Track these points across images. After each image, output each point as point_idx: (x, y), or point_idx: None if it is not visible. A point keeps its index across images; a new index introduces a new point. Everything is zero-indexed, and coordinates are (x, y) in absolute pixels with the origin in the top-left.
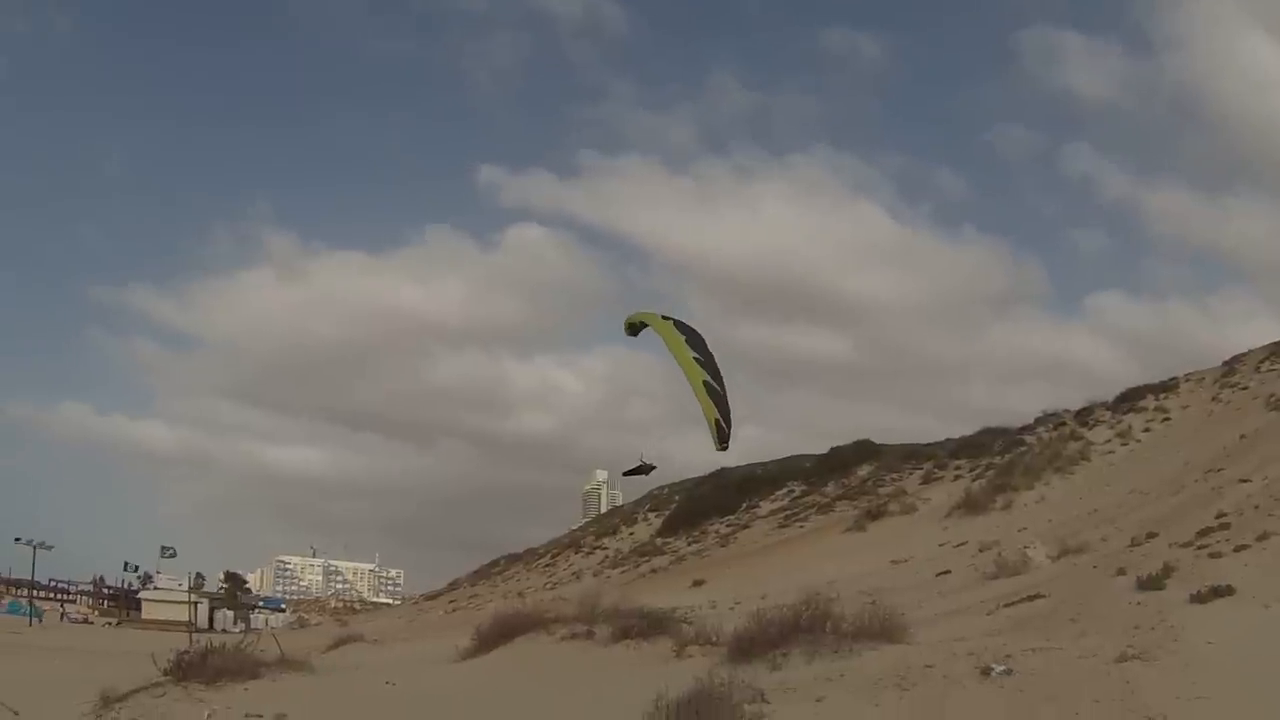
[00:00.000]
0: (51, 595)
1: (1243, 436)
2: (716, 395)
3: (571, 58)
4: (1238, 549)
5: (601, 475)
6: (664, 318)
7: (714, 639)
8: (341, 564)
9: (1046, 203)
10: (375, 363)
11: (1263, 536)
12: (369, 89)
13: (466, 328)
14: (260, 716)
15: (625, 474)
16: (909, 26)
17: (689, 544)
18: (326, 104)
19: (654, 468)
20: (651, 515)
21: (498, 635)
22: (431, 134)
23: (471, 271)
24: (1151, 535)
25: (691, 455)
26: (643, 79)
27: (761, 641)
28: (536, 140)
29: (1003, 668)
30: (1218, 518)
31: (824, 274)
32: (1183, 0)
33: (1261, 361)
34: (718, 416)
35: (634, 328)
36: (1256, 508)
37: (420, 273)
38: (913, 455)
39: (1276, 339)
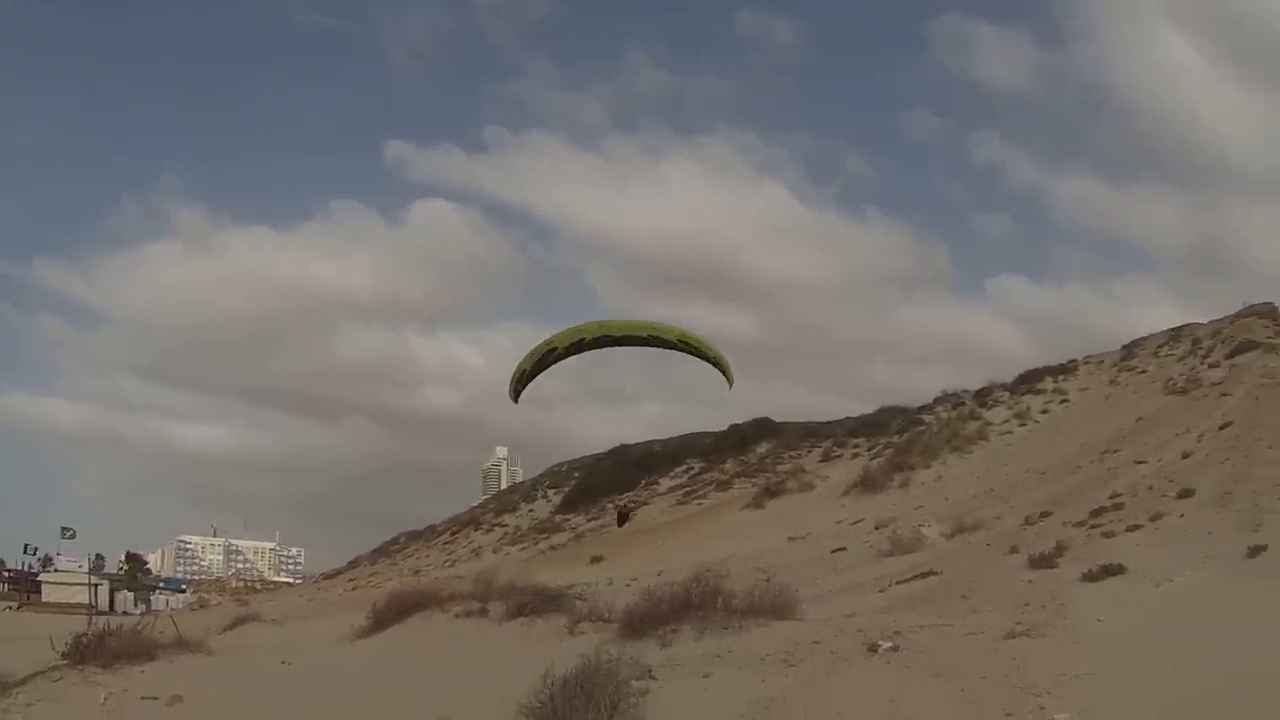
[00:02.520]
0: None
1: (1139, 419)
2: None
3: (490, 36)
4: (1130, 529)
5: (502, 452)
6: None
7: (606, 616)
8: (242, 543)
9: (953, 188)
10: (282, 339)
11: (1155, 517)
12: (284, 61)
13: (373, 304)
14: (156, 698)
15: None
16: (823, 11)
17: (588, 521)
18: (240, 75)
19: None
20: (551, 492)
21: (393, 613)
22: (343, 108)
23: (378, 247)
24: (1045, 514)
25: (591, 431)
26: (557, 57)
27: (652, 618)
28: (447, 116)
29: (890, 644)
30: (1112, 498)
31: (731, 253)
32: None
33: (1160, 346)
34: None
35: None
36: (1150, 488)
37: (327, 248)
38: (812, 434)
39: (1175, 325)
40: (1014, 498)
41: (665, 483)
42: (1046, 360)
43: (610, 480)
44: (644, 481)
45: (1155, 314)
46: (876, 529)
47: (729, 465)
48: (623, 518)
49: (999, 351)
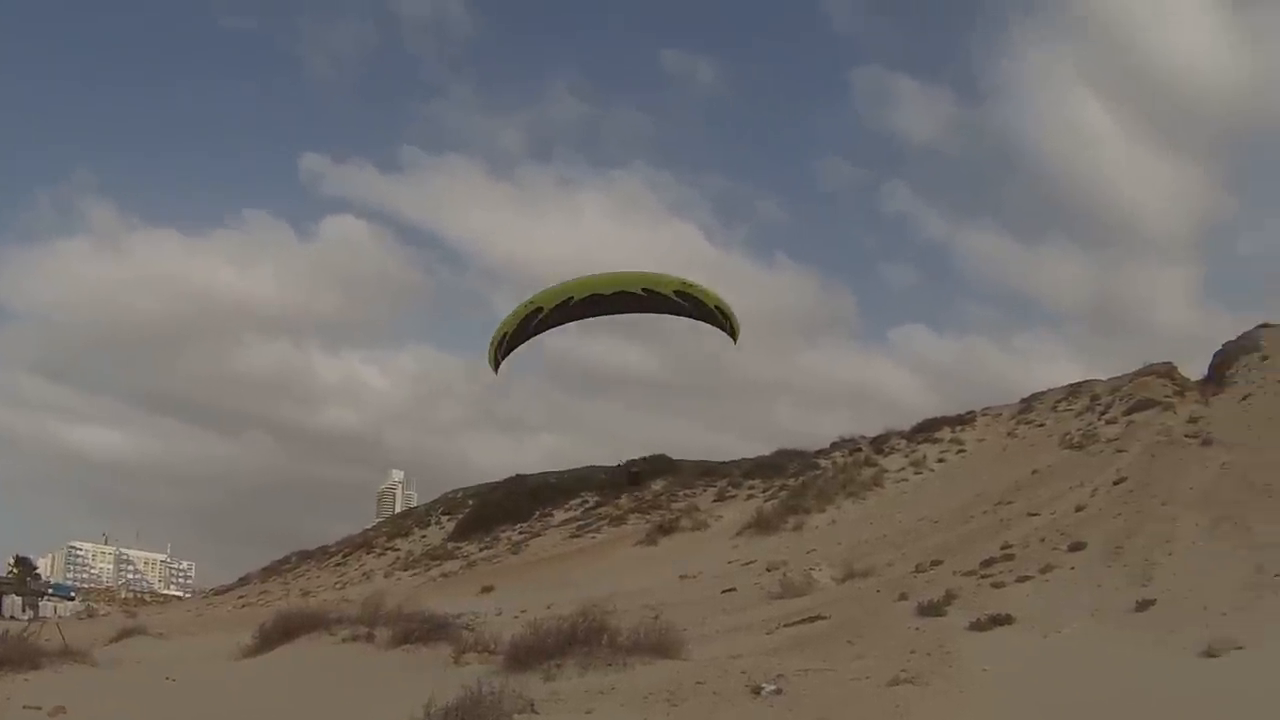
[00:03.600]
0: None
1: (1035, 472)
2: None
3: (414, 54)
4: (1021, 579)
5: (398, 475)
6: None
7: (492, 647)
8: (134, 553)
9: (862, 236)
10: (185, 346)
11: (1046, 569)
12: (206, 63)
13: (279, 316)
14: (39, 708)
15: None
16: (747, 54)
17: (480, 549)
18: (160, 73)
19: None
20: (445, 518)
21: (280, 634)
22: (262, 115)
23: (288, 260)
24: (937, 563)
25: (488, 459)
26: (480, 81)
27: (537, 651)
28: (364, 132)
29: (773, 687)
30: (1003, 549)
31: None
32: (1015, 53)
33: (1059, 401)
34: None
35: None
36: (1042, 541)
37: (236, 256)
38: (708, 472)
39: (1075, 381)
40: (906, 545)
41: (559, 515)
42: (945, 410)
43: (504, 509)
44: (538, 513)
45: (1055, 369)
46: (768, 571)
47: (624, 500)
48: (633, 478)
49: (899, 400)
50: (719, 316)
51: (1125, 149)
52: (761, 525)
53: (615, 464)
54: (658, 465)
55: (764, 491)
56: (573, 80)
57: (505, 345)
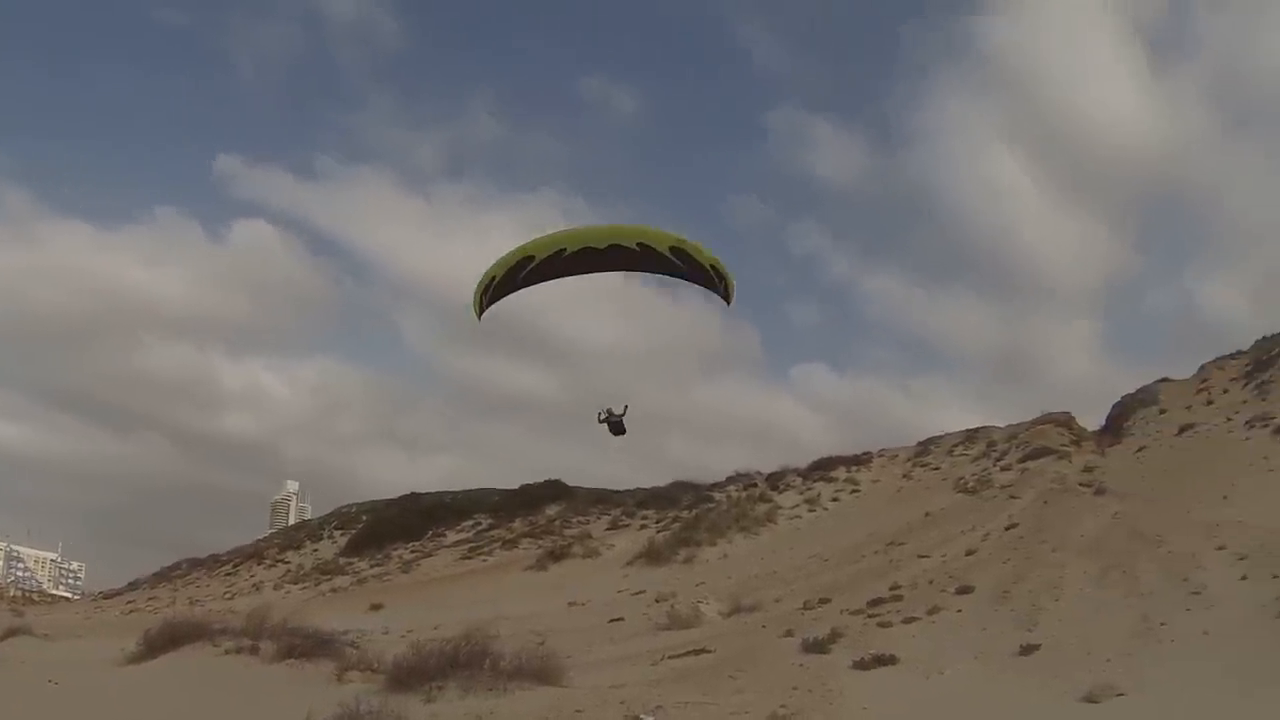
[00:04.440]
0: None
1: (928, 514)
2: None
3: (338, 63)
4: (907, 620)
5: (293, 486)
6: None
7: (375, 666)
8: (24, 550)
9: (769, 274)
10: (88, 342)
11: (933, 610)
12: (129, 52)
13: (184, 318)
14: None
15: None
16: (668, 87)
17: (371, 566)
18: (83, 60)
19: (618, 417)
20: (337, 533)
21: (165, 641)
22: (181, 111)
23: (196, 261)
24: (824, 600)
25: (384, 476)
26: (401, 94)
27: (420, 672)
28: (281, 137)
29: (651, 718)
30: (891, 589)
31: (540, 312)
32: (934, 102)
33: (955, 446)
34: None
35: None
36: (931, 583)
37: (145, 254)
38: (602, 500)
39: (973, 427)
40: (796, 582)
41: (452, 535)
42: (842, 450)
43: (398, 527)
44: (431, 532)
45: (954, 414)
46: (657, 602)
47: (517, 524)
48: (616, 428)
49: (797, 437)
50: (713, 276)
51: (1037, 204)
52: (653, 556)
53: (510, 487)
54: (553, 491)
55: (657, 522)
56: (492, 101)
57: (492, 292)
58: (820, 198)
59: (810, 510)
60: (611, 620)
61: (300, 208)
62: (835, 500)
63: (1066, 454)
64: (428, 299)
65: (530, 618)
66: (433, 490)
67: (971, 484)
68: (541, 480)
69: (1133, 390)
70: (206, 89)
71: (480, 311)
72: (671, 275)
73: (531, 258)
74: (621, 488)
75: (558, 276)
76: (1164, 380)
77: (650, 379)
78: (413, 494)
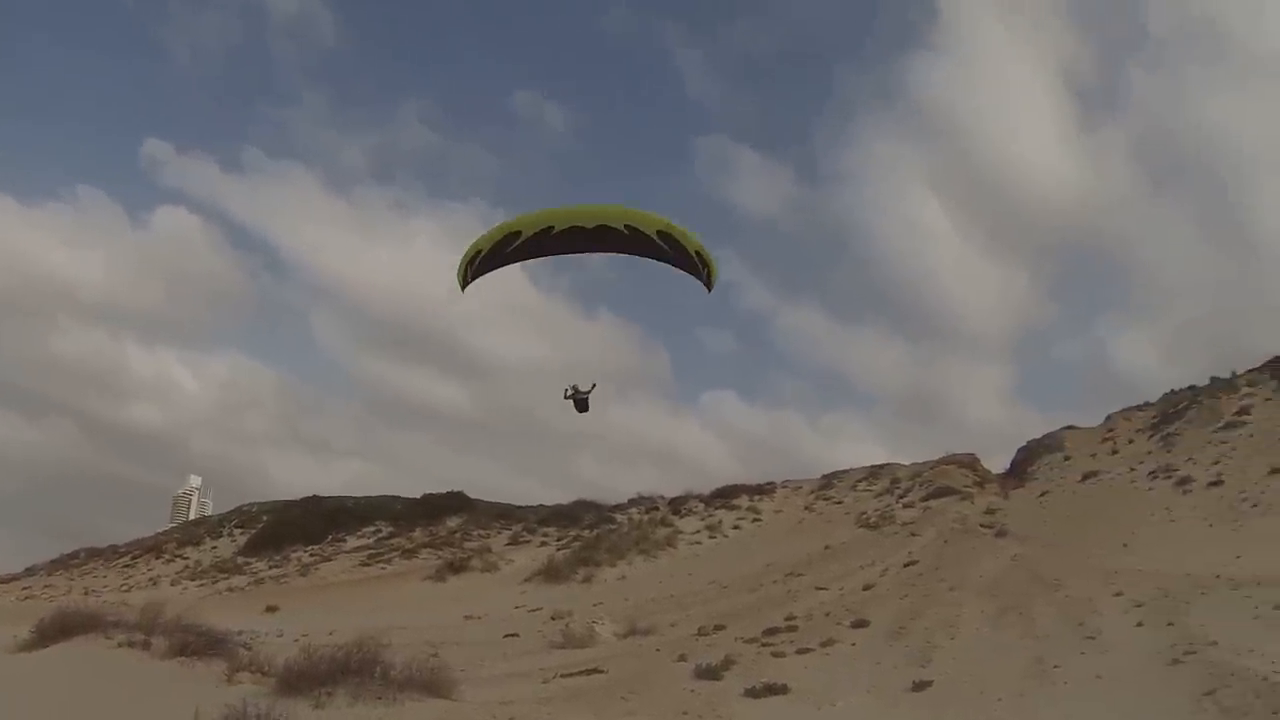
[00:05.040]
0: None
1: (828, 547)
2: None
3: (274, 56)
4: (801, 651)
5: (195, 481)
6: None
7: (266, 668)
8: None
9: (685, 300)
10: (2, 320)
11: (827, 643)
12: (64, 25)
13: (100, 302)
14: None
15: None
16: (600, 106)
17: (270, 567)
18: (20, 33)
19: (584, 394)
20: (237, 531)
21: (57, 631)
22: (113, 91)
23: (117, 246)
24: (720, 627)
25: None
26: (334, 94)
27: (310, 677)
28: (211, 127)
29: None
30: (787, 620)
31: (457, 324)
32: (861, 143)
33: (860, 481)
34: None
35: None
36: (827, 615)
37: (66, 235)
38: (504, 515)
39: (878, 463)
40: (693, 607)
41: (352, 541)
42: (747, 478)
43: (298, 529)
44: (331, 536)
45: (860, 449)
46: (553, 620)
47: (418, 533)
48: (580, 405)
49: (702, 463)
50: (696, 263)
51: (958, 249)
52: (552, 573)
53: (413, 496)
54: (455, 502)
55: (558, 540)
56: (425, 108)
57: (478, 265)
58: (742, 227)
59: (711, 537)
60: (506, 635)
61: (224, 200)
62: (736, 528)
63: (969, 495)
64: (345, 301)
65: (426, 629)
66: (336, 494)
67: (873, 519)
68: (445, 491)
69: (1039, 436)
70: (142, 71)
71: (464, 284)
72: (657, 259)
73: (518, 233)
74: (524, 503)
75: (544, 254)
76: (1070, 428)
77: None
78: (315, 497)
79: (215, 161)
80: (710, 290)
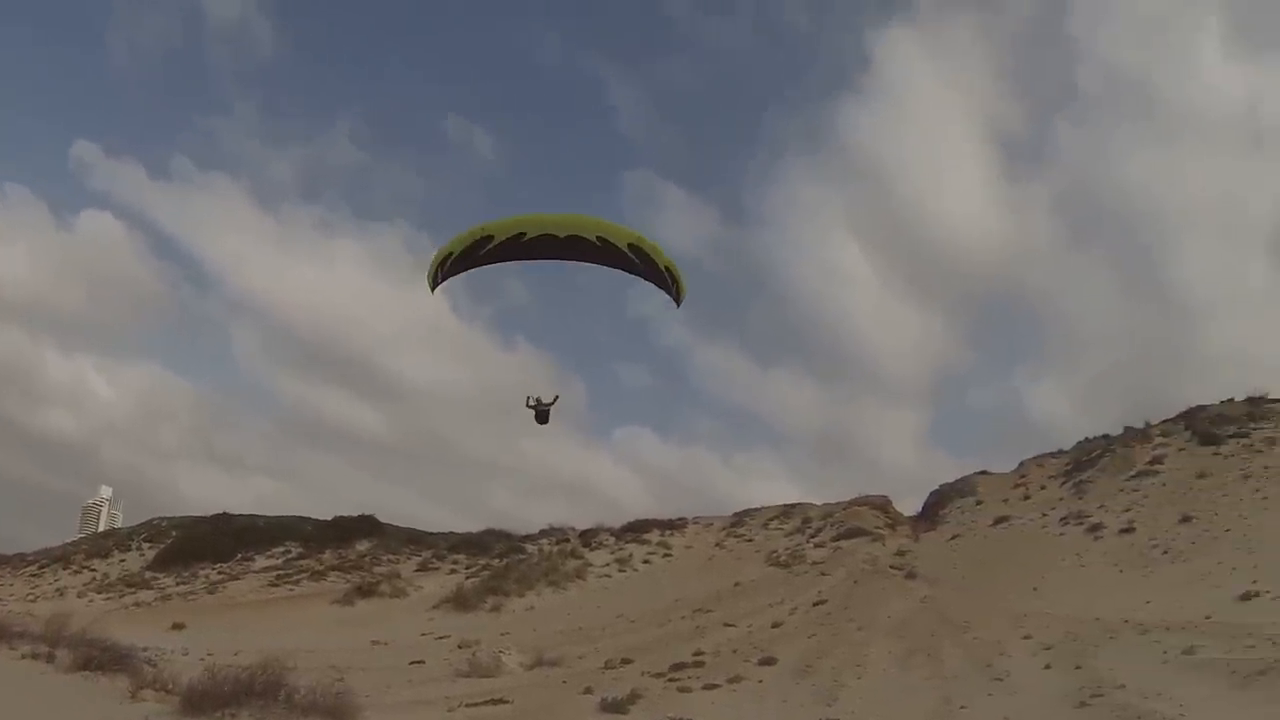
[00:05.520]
0: None
1: (737, 585)
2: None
3: (210, 64)
4: (708, 687)
5: (106, 492)
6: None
7: (170, 687)
8: None
9: (604, 333)
10: None
11: (734, 679)
12: (8, 22)
13: (20, 302)
14: None
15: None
16: (531, 134)
17: (177, 584)
18: None
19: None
20: (146, 545)
21: None
22: (47, 88)
23: (41, 246)
24: (627, 661)
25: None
26: (266, 106)
27: (213, 697)
28: (142, 132)
29: None
30: (695, 655)
31: (375, 347)
32: (788, 185)
33: (771, 519)
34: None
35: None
36: (735, 652)
37: None
38: (414, 540)
39: (790, 502)
40: (601, 640)
41: (261, 561)
42: (658, 514)
43: (207, 546)
44: (240, 555)
45: (773, 488)
46: (460, 648)
47: (327, 556)
48: (541, 416)
49: (615, 497)
50: (667, 279)
51: (878, 293)
52: (460, 602)
53: (324, 518)
54: (365, 526)
55: (467, 568)
56: (356, 126)
57: (449, 267)
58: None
59: (621, 570)
60: (412, 662)
61: (151, 207)
62: (646, 562)
63: (880, 536)
64: (265, 318)
65: (332, 652)
66: (246, 513)
67: (784, 558)
68: (356, 515)
69: (952, 480)
70: (78, 69)
71: (434, 285)
72: (627, 271)
73: (491, 237)
74: (435, 530)
75: (516, 259)
76: (983, 473)
77: (475, 424)
78: (225, 514)
79: (143, 167)
80: (679, 305)
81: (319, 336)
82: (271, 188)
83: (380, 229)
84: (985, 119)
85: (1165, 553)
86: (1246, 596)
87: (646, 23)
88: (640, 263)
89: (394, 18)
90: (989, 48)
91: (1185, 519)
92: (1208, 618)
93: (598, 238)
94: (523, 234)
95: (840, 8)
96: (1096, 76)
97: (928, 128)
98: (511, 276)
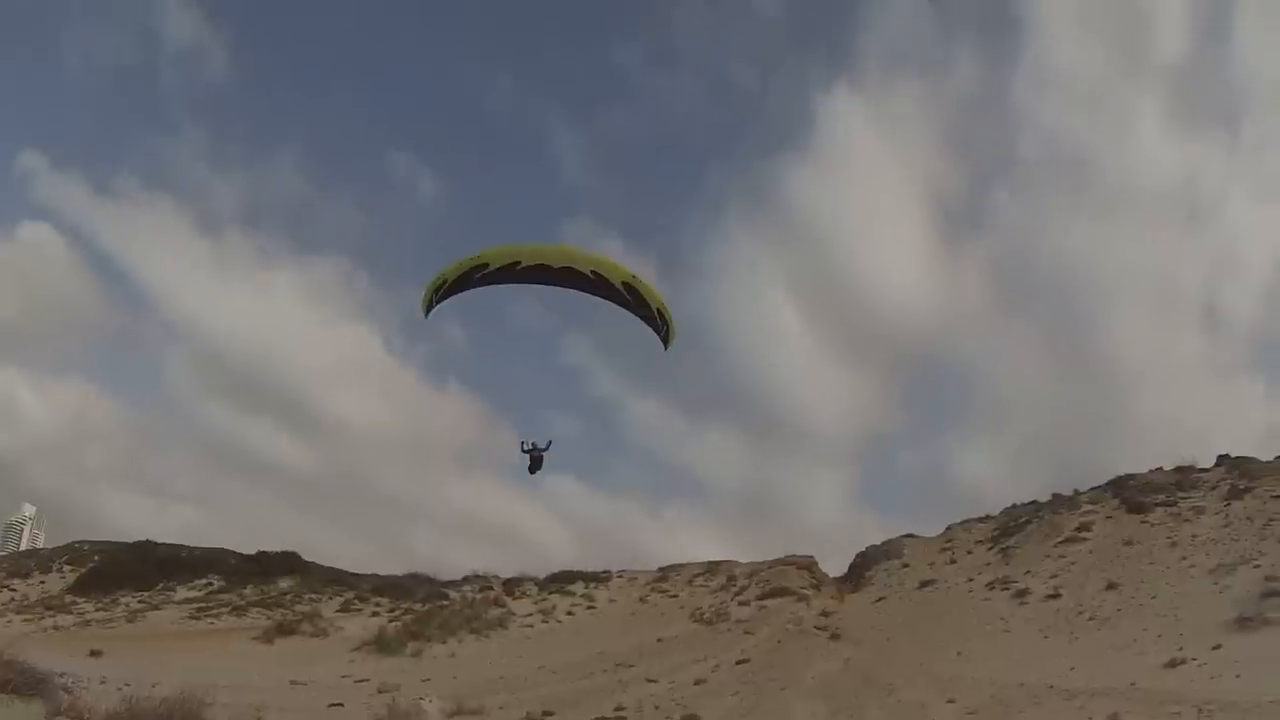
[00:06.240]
0: None
1: (661, 640)
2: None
3: (163, 82)
4: None
5: (29, 510)
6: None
7: (87, 715)
8: None
9: (535, 380)
10: None
11: None
12: None
13: None
14: None
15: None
16: (474, 177)
17: (97, 609)
18: None
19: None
20: (67, 568)
21: None
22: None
23: None
24: (548, 713)
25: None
26: (215, 130)
27: None
28: (88, 146)
29: None
30: (616, 709)
31: (306, 381)
32: (727, 239)
33: (697, 576)
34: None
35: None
36: (657, 708)
37: None
38: (337, 580)
39: (715, 559)
40: (522, 690)
41: (183, 591)
42: (583, 565)
43: (129, 573)
44: (162, 584)
45: (698, 544)
46: (380, 692)
47: (249, 591)
48: (536, 462)
49: (541, 545)
50: (658, 319)
51: (810, 352)
52: (382, 645)
53: (247, 552)
54: (288, 563)
55: (390, 611)
56: (301, 157)
57: (444, 292)
58: (598, 312)
59: (544, 621)
60: (331, 705)
61: (91, 223)
62: (570, 614)
63: (806, 596)
64: (197, 344)
65: (251, 690)
66: (169, 541)
67: (708, 615)
68: (279, 550)
69: (879, 542)
70: (30, 76)
71: (428, 310)
72: (619, 305)
73: (486, 265)
74: (358, 570)
75: (509, 283)
76: (909, 536)
77: (403, 465)
78: (149, 541)
79: (88, 181)
80: (667, 347)
81: (250, 366)
82: (214, 213)
83: (317, 262)
84: (925, 182)
85: (1091, 619)
86: (1172, 664)
87: (597, 71)
88: (633, 300)
89: (348, 53)
90: (933, 112)
91: (1111, 586)
92: (1133, 684)
93: (592, 272)
94: (517, 262)
95: (788, 68)
96: (1036, 145)
97: (868, 190)
98: (451, 320)
